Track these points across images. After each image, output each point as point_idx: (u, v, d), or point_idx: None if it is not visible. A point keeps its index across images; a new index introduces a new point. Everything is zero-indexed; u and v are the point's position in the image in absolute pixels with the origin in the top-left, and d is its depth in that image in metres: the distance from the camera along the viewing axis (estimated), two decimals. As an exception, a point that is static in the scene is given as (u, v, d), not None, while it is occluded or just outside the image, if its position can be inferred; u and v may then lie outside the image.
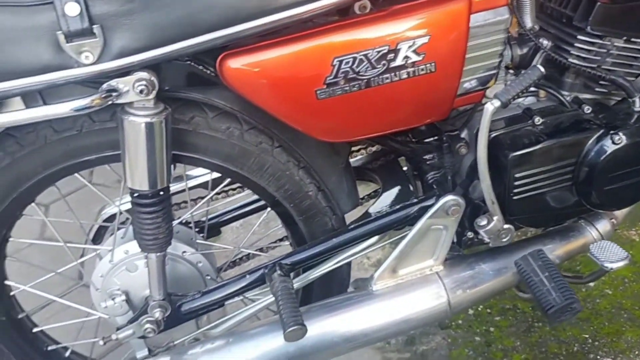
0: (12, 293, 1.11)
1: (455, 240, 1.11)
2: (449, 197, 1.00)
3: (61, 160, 0.93)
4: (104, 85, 0.79)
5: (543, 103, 1.05)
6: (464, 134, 1.05)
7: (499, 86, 0.99)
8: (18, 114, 0.78)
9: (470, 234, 1.07)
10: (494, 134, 1.00)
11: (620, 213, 1.12)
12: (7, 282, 1.09)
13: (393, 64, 0.85)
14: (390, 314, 1.03)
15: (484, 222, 1.01)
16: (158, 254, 0.95)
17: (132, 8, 0.74)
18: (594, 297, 1.48)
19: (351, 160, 1.20)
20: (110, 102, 0.80)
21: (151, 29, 0.76)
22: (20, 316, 1.13)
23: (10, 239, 1.05)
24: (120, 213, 1.09)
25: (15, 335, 1.11)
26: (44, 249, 1.63)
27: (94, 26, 0.73)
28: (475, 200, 1.04)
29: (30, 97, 0.82)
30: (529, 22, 1.00)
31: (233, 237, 1.80)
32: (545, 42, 1.00)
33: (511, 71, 1.03)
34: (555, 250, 1.08)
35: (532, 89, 1.03)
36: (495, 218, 1.00)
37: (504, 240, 1.03)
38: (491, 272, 1.05)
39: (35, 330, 1.15)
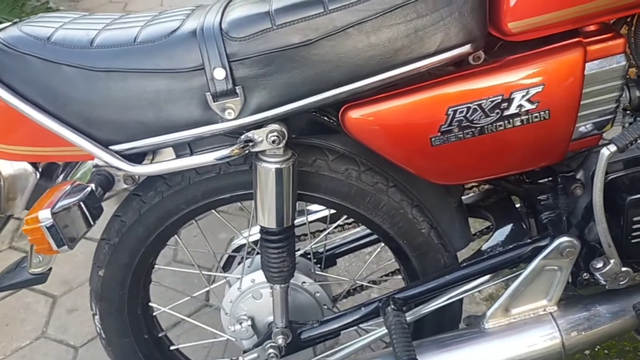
0: (154, 314, 1.25)
1: (570, 280, 1.11)
2: (564, 239, 1.01)
3: (201, 198, 1.05)
4: (242, 137, 0.90)
5: (664, 145, 1.03)
6: (579, 175, 1.06)
7: (617, 129, 0.99)
8: (174, 163, 0.91)
9: (585, 275, 1.07)
10: (611, 176, 1.00)
11: None
12: (150, 304, 1.23)
13: (506, 112, 0.89)
14: (502, 353, 1.04)
15: (600, 265, 1.01)
16: (282, 285, 1.04)
17: (268, 71, 0.84)
18: None
19: (464, 197, 1.24)
20: (247, 152, 0.90)
21: (284, 87, 0.86)
22: (160, 335, 1.27)
23: (155, 266, 1.19)
24: (248, 244, 1.19)
25: (155, 353, 1.25)
26: (173, 273, 1.80)
27: (237, 87, 0.84)
28: (591, 242, 1.04)
29: (179, 147, 0.95)
30: (648, 64, 0.99)
31: (345, 265, 1.88)
32: (666, 84, 0.99)
33: (629, 113, 1.03)
34: (678, 295, 1.05)
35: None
36: (612, 261, 1.00)
37: (622, 283, 1.02)
38: (608, 314, 1.04)
39: (172, 348, 1.28)
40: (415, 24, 0.84)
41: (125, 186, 0.96)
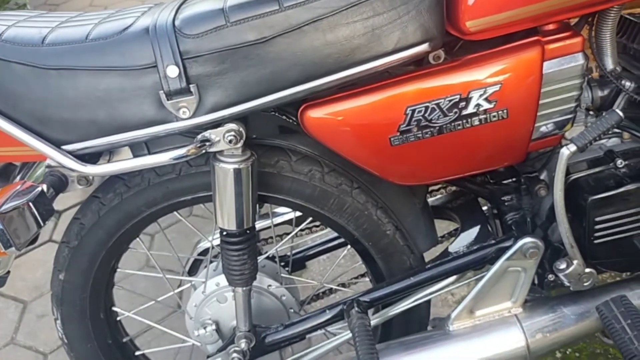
0: (118, 318, 1.23)
1: (536, 282, 1.10)
2: (527, 240, 1.00)
3: (162, 200, 1.04)
4: (199, 137, 0.88)
5: (627, 145, 1.02)
6: (543, 176, 1.05)
7: (579, 128, 0.98)
8: (127, 163, 0.89)
9: (551, 277, 1.06)
10: (573, 177, 0.99)
11: None
12: (114, 308, 1.20)
13: (465, 112, 0.88)
14: (467, 355, 1.03)
15: (563, 266, 1.00)
16: (244, 288, 1.02)
17: (223, 69, 0.83)
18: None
19: (430, 199, 1.23)
20: (203, 151, 0.89)
21: (240, 86, 0.84)
22: (124, 340, 1.24)
23: (118, 269, 1.17)
24: (213, 247, 1.18)
25: (120, 358, 1.22)
26: (146, 277, 1.77)
27: (191, 85, 0.83)
28: (554, 243, 1.03)
29: (137, 147, 0.94)
30: (610, 64, 0.99)
31: (320, 269, 1.86)
32: (628, 84, 0.98)
33: (592, 113, 1.02)
34: (643, 296, 1.04)
35: (615, 130, 1.02)
36: (575, 262, 0.99)
37: (586, 284, 1.01)
38: (573, 316, 1.03)
39: (137, 353, 1.26)
40: (372, 22, 0.84)
41: (79, 187, 0.94)
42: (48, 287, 1.89)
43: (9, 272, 1.06)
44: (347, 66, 0.85)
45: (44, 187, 0.86)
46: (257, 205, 1.06)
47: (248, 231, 0.98)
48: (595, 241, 0.97)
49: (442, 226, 1.30)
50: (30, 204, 0.81)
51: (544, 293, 1.11)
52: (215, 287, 1.14)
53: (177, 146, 0.91)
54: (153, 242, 2.04)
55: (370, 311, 1.10)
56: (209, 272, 1.16)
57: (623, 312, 0.93)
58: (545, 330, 1.03)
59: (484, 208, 1.19)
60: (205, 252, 1.28)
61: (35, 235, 0.84)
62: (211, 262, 1.18)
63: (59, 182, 0.90)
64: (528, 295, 1.06)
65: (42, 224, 0.83)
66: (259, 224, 1.25)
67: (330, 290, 1.34)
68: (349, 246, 1.16)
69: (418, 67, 0.92)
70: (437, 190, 1.22)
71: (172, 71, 0.82)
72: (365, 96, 0.89)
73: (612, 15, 0.94)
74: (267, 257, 1.18)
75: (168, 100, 0.83)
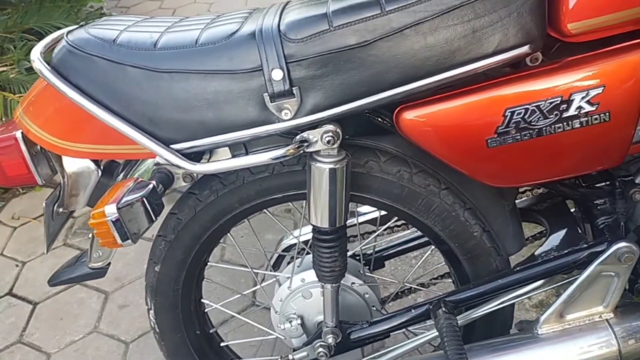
0: (205, 310, 1.28)
1: (627, 287, 1.08)
2: (622, 244, 0.99)
3: (254, 197, 1.08)
4: (297, 137, 0.91)
5: None
6: (638, 180, 1.03)
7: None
8: (231, 162, 0.93)
9: (645, 283, 1.04)
10: (673, 181, 0.97)
11: None
12: (202, 300, 1.25)
13: (565, 114, 0.88)
14: (556, 359, 1.02)
15: (661, 272, 0.98)
16: (333, 284, 1.05)
17: (325, 72, 0.86)
18: None
19: (517, 201, 1.22)
20: (301, 152, 0.92)
21: (340, 88, 0.87)
22: (211, 331, 1.29)
23: (209, 263, 1.22)
24: (299, 244, 1.21)
25: (206, 348, 1.27)
26: (221, 270, 1.83)
27: (294, 88, 0.86)
28: (651, 249, 1.01)
29: (235, 146, 0.98)
30: None
31: (391, 269, 1.88)
32: None
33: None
34: None
35: None
36: (673, 268, 0.97)
37: (684, 291, 0.99)
38: (668, 323, 1.01)
39: (222, 344, 1.30)
40: (472, 25, 0.84)
41: (184, 184, 0.99)
42: (129, 278, 2.00)
43: (109, 263, 1.13)
44: (446, 68, 0.86)
45: (154, 183, 0.90)
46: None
47: (340, 229, 1.00)
48: (696, 248, 0.95)
49: (527, 229, 1.29)
50: (144, 199, 0.86)
51: (634, 299, 1.09)
52: (301, 283, 1.17)
53: (275, 146, 0.95)
54: (225, 238, 2.10)
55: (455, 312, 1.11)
56: (294, 268, 1.19)
57: None
58: (638, 336, 1.01)
59: (572, 210, 1.18)
60: (288, 248, 1.32)
61: (147, 229, 0.89)
62: (297, 258, 1.21)
63: (167, 178, 0.94)
64: (620, 301, 1.04)
65: (154, 218, 0.88)
66: (344, 222, 1.27)
67: (409, 291, 1.35)
68: (431, 247, 1.17)
69: (514, 69, 0.92)
70: (524, 192, 1.21)
71: (277, 74, 0.85)
72: (462, 98, 0.90)
73: None
74: (351, 255, 1.20)
75: (272, 102, 0.87)
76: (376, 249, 1.33)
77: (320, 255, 1.02)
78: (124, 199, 0.84)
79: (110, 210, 0.82)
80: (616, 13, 0.83)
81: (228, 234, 1.18)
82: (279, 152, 0.92)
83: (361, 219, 1.27)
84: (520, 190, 1.19)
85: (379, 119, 0.99)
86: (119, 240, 0.84)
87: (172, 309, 1.20)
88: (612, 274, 1.01)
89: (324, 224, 0.99)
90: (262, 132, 0.89)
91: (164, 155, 0.89)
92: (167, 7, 4.27)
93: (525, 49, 0.86)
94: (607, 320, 1.03)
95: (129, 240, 0.85)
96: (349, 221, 1.26)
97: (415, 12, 0.84)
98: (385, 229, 1.25)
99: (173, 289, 1.18)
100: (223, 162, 0.93)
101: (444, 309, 1.04)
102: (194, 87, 0.88)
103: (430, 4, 0.84)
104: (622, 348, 1.01)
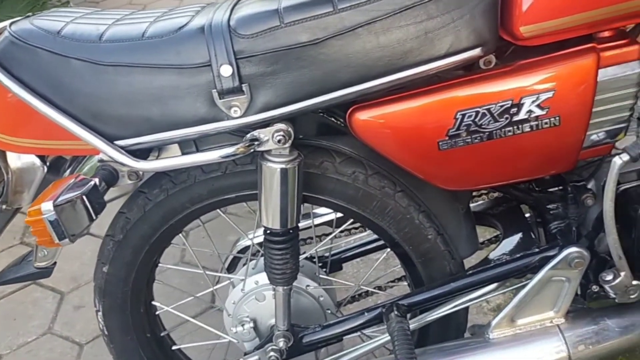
0: (157, 312, 1.25)
1: (579, 292, 1.09)
2: (573, 249, 0.99)
3: (207, 197, 1.05)
4: (248, 135, 0.89)
5: (680, 156, 1.00)
6: (590, 185, 1.04)
7: (630, 138, 0.97)
8: (177, 160, 0.90)
9: (595, 288, 1.04)
10: (623, 187, 0.98)
11: None
12: (153, 303, 1.22)
13: (516, 118, 0.88)
14: (506, 363, 1.02)
15: (609, 277, 0.98)
16: (285, 287, 1.03)
17: (276, 69, 0.84)
18: None
19: (472, 205, 1.22)
20: (252, 150, 0.89)
21: (291, 86, 0.85)
22: (162, 334, 1.26)
23: (159, 264, 1.19)
24: (253, 245, 1.19)
25: (157, 351, 1.24)
26: (181, 273, 1.80)
27: (243, 85, 0.84)
28: (601, 254, 1.01)
29: (185, 144, 0.95)
30: (664, 72, 0.97)
31: (353, 271, 1.86)
32: (683, 94, 0.96)
33: (644, 123, 1.01)
34: (692, 311, 1.02)
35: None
36: (622, 274, 0.97)
37: (632, 297, 0.99)
38: (617, 329, 1.01)
39: (174, 348, 1.27)
40: (425, 26, 0.83)
41: (130, 182, 0.96)
42: (85, 278, 1.95)
43: (55, 263, 1.09)
44: (398, 69, 0.85)
45: (96, 180, 0.87)
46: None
47: (291, 231, 0.99)
48: (645, 253, 0.95)
49: (482, 232, 1.29)
50: (84, 197, 0.83)
51: (585, 304, 1.09)
52: (255, 286, 1.15)
53: (225, 144, 0.92)
54: (188, 238, 2.06)
55: (408, 315, 1.10)
56: (248, 270, 1.17)
57: (672, 326, 0.91)
58: (588, 342, 1.02)
59: (527, 215, 1.18)
60: (244, 250, 1.29)
61: (87, 228, 0.86)
62: (250, 260, 1.19)
63: (111, 176, 0.91)
64: (572, 306, 1.04)
65: (94, 217, 0.85)
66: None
67: (367, 293, 1.34)
68: (387, 249, 1.16)
69: (468, 71, 0.92)
70: (479, 196, 1.21)
71: (226, 70, 0.83)
72: (415, 99, 0.89)
73: (669, 23, 0.92)
74: (307, 258, 1.18)
75: (220, 99, 0.85)
76: (333, 252, 1.32)
77: (272, 257, 1.00)
78: (62, 197, 0.81)
79: (47, 207, 0.79)
80: (568, 17, 0.83)
81: (181, 235, 1.15)
82: (229, 150, 0.90)
83: (317, 220, 1.25)
84: (476, 193, 1.19)
85: (333, 119, 0.97)
86: (55, 239, 0.80)
87: (121, 311, 1.17)
88: (563, 279, 1.01)
89: (275, 225, 0.97)
90: (211, 129, 0.87)
91: (107, 151, 0.87)
92: (137, 2, 4.20)
93: (477, 51, 0.85)
94: (558, 325, 1.04)
95: (66, 240, 0.82)
96: (305, 223, 1.25)
97: (368, 11, 0.83)
98: (341, 231, 1.23)
99: (122, 291, 1.14)
100: (168, 160, 0.90)
101: (396, 312, 1.03)
102: (139, 82, 0.85)
103: (382, 3, 0.83)
104: (572, 354, 1.02)
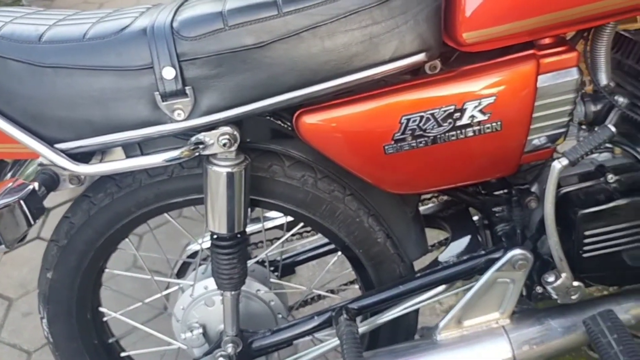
0: (104, 319, 1.22)
1: (524, 293, 1.11)
2: (517, 252, 1.01)
3: (153, 201, 1.03)
4: (192, 139, 0.88)
5: (618, 160, 1.04)
6: (534, 188, 1.06)
7: (571, 142, 0.99)
8: (119, 164, 0.88)
9: (539, 289, 1.07)
10: (564, 190, 1.00)
11: None
12: (100, 309, 1.20)
13: (459, 123, 0.89)
14: (453, 364, 1.03)
15: (551, 279, 1.01)
16: (233, 292, 1.02)
17: (220, 72, 0.83)
18: (681, 361, 1.39)
19: (422, 208, 1.24)
20: (197, 154, 0.88)
21: (236, 89, 0.84)
22: (110, 341, 1.23)
23: (106, 270, 1.16)
24: (202, 250, 1.17)
25: (105, 358, 1.21)
26: (134, 279, 1.76)
27: (186, 88, 0.83)
28: (544, 256, 1.04)
29: (130, 147, 0.93)
30: (603, 79, 1.00)
31: (309, 274, 1.86)
32: (621, 100, 0.99)
33: (584, 127, 1.03)
34: (629, 310, 1.05)
35: (607, 145, 1.03)
36: (563, 275, 1.00)
37: (573, 297, 1.02)
38: (560, 329, 1.04)
39: (123, 354, 1.25)
40: (370, 31, 0.84)
41: (71, 186, 0.93)
42: (34, 285, 1.88)
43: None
44: (343, 73, 0.86)
45: (36, 185, 0.85)
46: (249, 210, 1.05)
47: (239, 235, 0.98)
48: (584, 255, 0.98)
49: (433, 235, 1.31)
50: (22, 201, 0.81)
51: (531, 305, 1.12)
52: (204, 291, 1.13)
53: (170, 148, 0.91)
54: (141, 242, 2.02)
55: (358, 318, 1.11)
56: (198, 275, 1.15)
57: (610, 326, 0.94)
58: (532, 342, 1.04)
59: (475, 218, 1.20)
60: (194, 254, 1.28)
61: (25, 234, 0.83)
62: (200, 265, 1.18)
63: (51, 180, 0.89)
64: (516, 306, 1.06)
65: (32, 222, 0.83)
66: (249, 228, 1.25)
67: (320, 297, 1.34)
68: (339, 253, 1.16)
69: (414, 76, 0.93)
70: (429, 199, 1.23)
71: (169, 73, 0.82)
72: (361, 104, 0.89)
73: (607, 31, 0.95)
74: (257, 262, 1.17)
75: (163, 101, 0.83)
76: (285, 256, 1.31)
77: (219, 262, 0.99)
78: (-2, 202, 0.78)
79: (-20, 213, 0.76)
80: (510, 24, 0.85)
81: (127, 240, 1.13)
82: (173, 154, 0.88)
83: (268, 224, 1.25)
84: (425, 196, 1.20)
85: (280, 123, 0.97)
86: (-10, 245, 0.78)
87: (67, 318, 1.14)
88: (508, 280, 1.03)
89: (222, 229, 0.96)
90: (154, 133, 0.86)
91: (46, 155, 0.84)
92: (92, 1, 4.12)
93: (421, 56, 0.86)
94: (503, 326, 1.05)
95: (2, 245, 0.79)
96: (256, 227, 1.24)
97: (313, 15, 0.83)
98: (292, 235, 1.23)
99: (67, 297, 1.12)
100: (110, 163, 0.88)
101: (345, 316, 1.03)
102: (79, 84, 0.83)
103: (327, 7, 0.83)
104: (516, 354, 1.03)
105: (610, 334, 0.93)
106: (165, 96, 0.83)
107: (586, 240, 0.97)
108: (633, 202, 0.96)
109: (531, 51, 0.89)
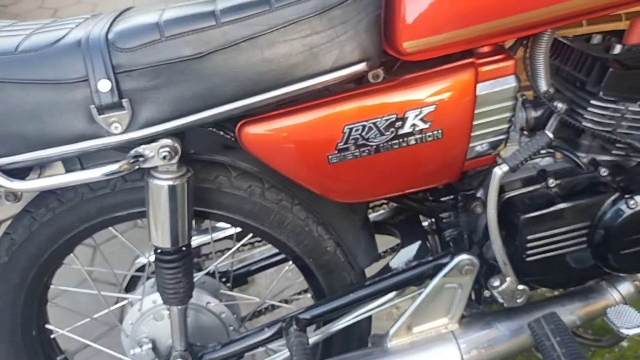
0: (52, 336, 1.19)
1: (474, 297, 1.12)
2: (463, 257, 1.02)
3: (96, 215, 1.01)
4: (132, 152, 0.86)
5: (559, 164, 1.05)
6: (479, 194, 1.07)
7: (514, 148, 1.01)
8: (56, 179, 0.86)
9: (487, 293, 1.08)
10: (507, 195, 1.02)
11: (644, 275, 1.10)
12: (47, 326, 1.16)
13: (401, 131, 0.89)
14: (403, 371, 1.04)
15: (496, 283, 1.02)
16: (179, 307, 1.00)
17: (157, 83, 0.82)
18: (627, 357, 1.43)
19: (373, 214, 1.24)
20: (137, 167, 0.87)
21: (175, 101, 0.83)
22: (59, 358, 1.20)
23: (52, 286, 1.13)
24: (150, 264, 1.15)
25: (53, 377, 1.18)
26: (88, 293, 1.72)
27: (123, 100, 0.81)
28: (490, 260, 1.05)
29: (70, 161, 0.91)
30: (543, 85, 1.01)
31: (267, 282, 1.85)
32: (560, 105, 1.01)
33: (526, 133, 1.05)
34: (574, 312, 1.07)
35: (549, 150, 1.06)
36: (508, 279, 1.01)
37: (519, 301, 1.03)
38: (507, 332, 1.05)
39: (71, 372, 1.21)
40: (310, 40, 0.84)
41: (7, 202, 0.91)
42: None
43: None
44: (284, 84, 0.85)
45: (-33, 202, 0.82)
46: (194, 222, 1.04)
47: (183, 249, 0.96)
48: (528, 259, 0.99)
49: (387, 240, 1.31)
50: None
51: (482, 308, 1.13)
52: (152, 305, 1.11)
53: (110, 161, 0.89)
54: (95, 255, 1.98)
55: (311, 327, 1.10)
56: (146, 289, 1.13)
57: (553, 329, 0.96)
58: (480, 346, 1.05)
59: (426, 224, 1.21)
60: (143, 268, 1.25)
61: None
62: (148, 278, 1.15)
63: (-16, 197, 0.86)
64: (466, 310, 1.07)
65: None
66: (199, 240, 1.23)
67: (274, 307, 1.33)
68: (288, 263, 1.15)
69: (358, 85, 0.93)
70: (380, 205, 1.23)
71: (104, 85, 0.80)
72: (303, 114, 0.89)
73: (545, 38, 0.97)
74: (208, 274, 1.16)
75: (99, 114, 0.81)
76: (237, 266, 1.30)
77: (164, 277, 0.97)
78: None
79: None
80: (448, 33, 0.86)
81: (72, 255, 1.10)
82: (113, 167, 0.87)
83: (218, 235, 1.23)
84: (376, 203, 1.21)
85: (222, 134, 0.96)
86: None
87: (11, 337, 1.10)
88: (456, 285, 1.04)
89: (166, 243, 0.94)
90: (91, 146, 0.84)
91: (-23, 171, 0.81)
92: (48, 6, 4.03)
93: (362, 66, 0.86)
94: (452, 331, 1.06)
95: None
96: (205, 239, 1.23)
97: (252, 25, 0.82)
98: (243, 245, 1.22)
99: (11, 315, 1.08)
100: (46, 179, 0.86)
101: (295, 326, 1.03)
102: (12, 98, 0.80)
103: (266, 17, 0.82)
104: (465, 359, 1.04)
105: (553, 337, 0.94)
106: (101, 109, 0.81)
107: (529, 245, 0.98)
108: (573, 206, 0.98)
109: (470, 60, 0.90)
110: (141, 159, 0.87)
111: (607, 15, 0.91)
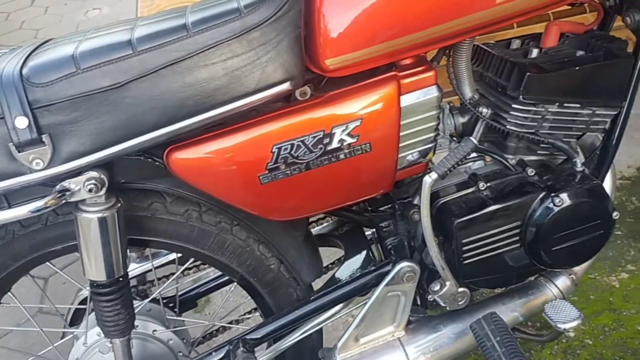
0: (-7, 379, 1.15)
1: (420, 302, 1.14)
2: (404, 264, 1.03)
3: (29, 252, 0.99)
4: (57, 187, 0.85)
5: (489, 167, 1.08)
6: (416, 201, 1.09)
7: (444, 154, 1.03)
8: (-23, 220, 0.84)
9: (431, 297, 1.09)
10: (442, 201, 1.04)
11: (579, 268, 1.13)
12: (-13, 369, 1.13)
13: (329, 147, 0.90)
14: (353, 384, 1.04)
15: (437, 287, 1.04)
16: (122, 338, 0.99)
17: (77, 116, 0.80)
18: (575, 347, 1.47)
19: (317, 227, 1.25)
20: (64, 202, 0.85)
21: (96, 133, 0.82)
22: (1, 401, 1.16)
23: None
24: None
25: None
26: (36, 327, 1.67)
27: (43, 136, 0.80)
28: (430, 266, 1.07)
29: (-6, 200, 0.89)
30: (467, 92, 1.04)
31: (222, 302, 1.83)
32: (485, 111, 1.04)
33: (455, 139, 1.07)
34: (515, 309, 1.10)
35: (479, 153, 1.08)
36: (448, 283, 1.03)
37: (460, 303, 1.05)
38: (452, 335, 1.07)
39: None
40: (231, 64, 0.84)
41: None
42: None
43: None
44: (208, 108, 0.85)
45: None
46: (134, 250, 1.03)
47: (120, 279, 0.95)
48: (465, 261, 1.01)
49: (335, 252, 1.32)
50: None
51: (429, 313, 1.14)
52: (97, 338, 1.09)
53: (37, 197, 0.87)
54: (47, 285, 1.93)
55: (263, 346, 1.10)
56: (90, 321, 1.11)
57: (493, 329, 0.98)
58: (427, 351, 1.06)
59: (369, 233, 1.22)
60: (86, 300, 1.22)
61: None
62: (92, 311, 1.13)
63: None
64: (413, 316, 1.09)
65: None
66: (141, 268, 1.21)
67: (224, 328, 1.32)
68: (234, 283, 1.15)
69: (286, 103, 0.93)
70: (323, 218, 1.24)
71: (21, 122, 0.79)
72: (231, 136, 0.89)
73: (465, 47, 0.99)
74: (152, 301, 1.14)
75: (19, 152, 0.80)
76: (183, 290, 1.29)
77: (102, 310, 0.96)
78: None
79: None
80: (367, 49, 0.87)
81: (10, 293, 1.07)
82: (39, 203, 0.85)
83: (159, 261, 1.22)
84: (319, 216, 1.21)
85: (150, 161, 0.95)
86: None
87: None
88: (399, 293, 1.05)
89: (101, 276, 0.93)
90: (13, 184, 0.82)
91: None
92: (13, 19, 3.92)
93: (285, 85, 0.86)
94: (399, 339, 1.07)
95: None
96: (147, 266, 1.21)
97: (170, 51, 0.82)
98: (188, 269, 1.21)
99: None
100: (-34, 221, 0.83)
101: (242, 348, 1.02)
102: None
103: (185, 43, 0.82)
104: (413, 364, 1.06)
105: (493, 337, 0.97)
106: (20, 146, 0.79)
107: (465, 248, 1.00)
108: (503, 207, 1.00)
109: (392, 73, 0.92)
110: (67, 193, 0.85)
111: (536, 17, 0.94)
